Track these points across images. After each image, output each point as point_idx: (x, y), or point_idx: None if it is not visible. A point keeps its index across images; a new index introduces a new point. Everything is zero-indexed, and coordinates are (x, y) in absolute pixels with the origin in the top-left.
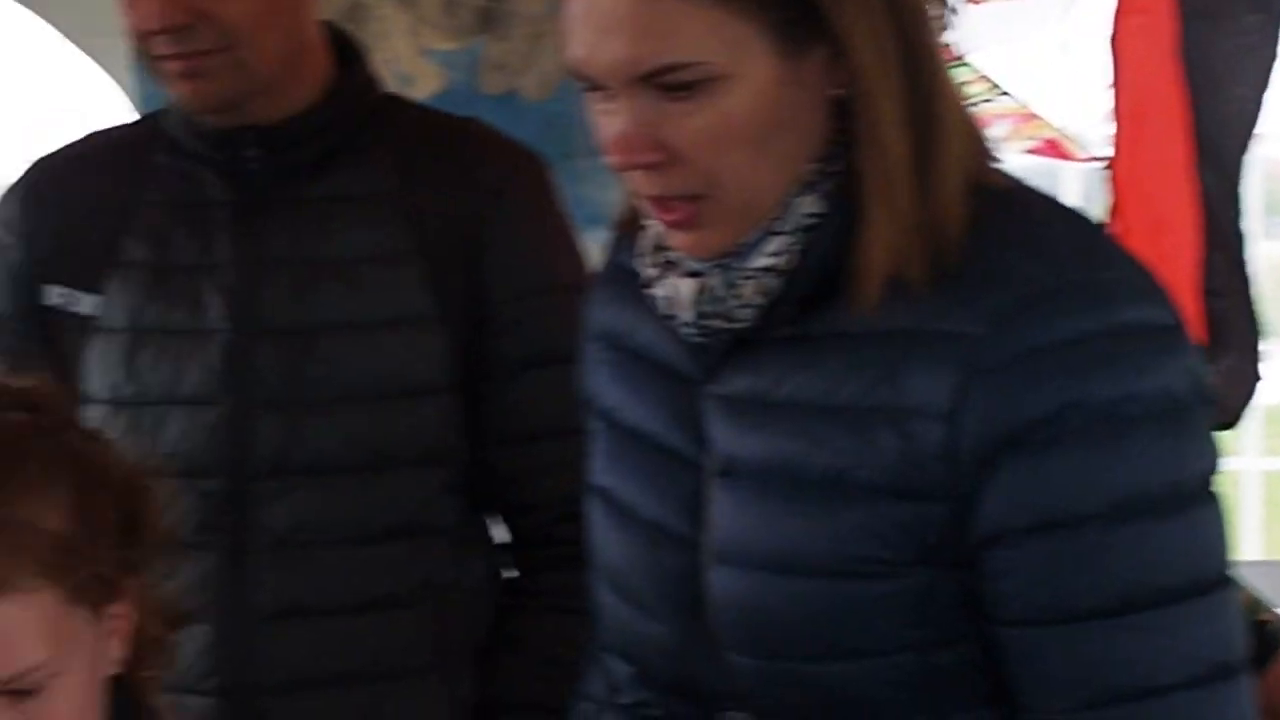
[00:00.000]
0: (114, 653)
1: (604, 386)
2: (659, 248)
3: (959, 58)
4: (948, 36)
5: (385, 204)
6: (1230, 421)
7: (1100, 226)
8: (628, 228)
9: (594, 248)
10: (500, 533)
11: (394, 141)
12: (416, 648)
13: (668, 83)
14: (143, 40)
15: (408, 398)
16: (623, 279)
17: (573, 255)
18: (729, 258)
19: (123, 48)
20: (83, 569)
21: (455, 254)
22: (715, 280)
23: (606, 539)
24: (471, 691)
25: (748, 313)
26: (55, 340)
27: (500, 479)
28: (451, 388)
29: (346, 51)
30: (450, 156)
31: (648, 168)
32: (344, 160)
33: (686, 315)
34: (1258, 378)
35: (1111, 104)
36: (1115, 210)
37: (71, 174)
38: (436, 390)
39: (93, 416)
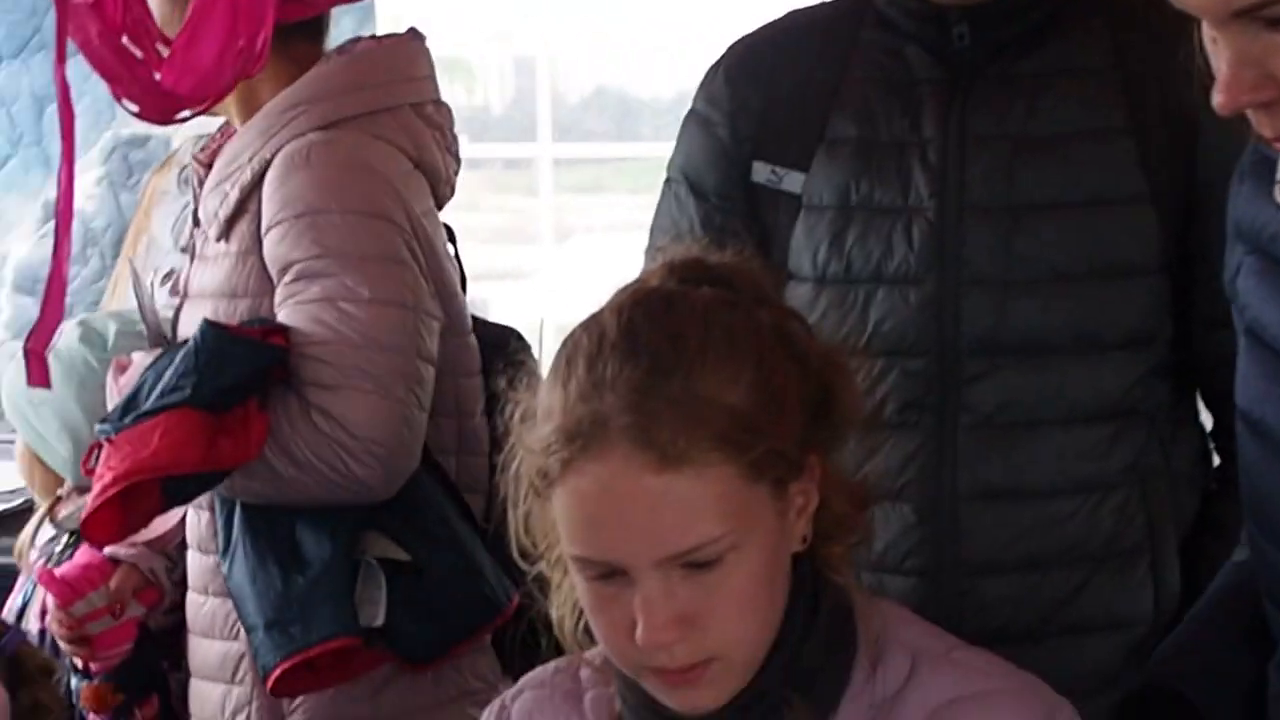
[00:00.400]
0: (798, 530)
1: (1247, 296)
2: None
3: None
4: None
5: (1097, 80)
6: None
7: None
8: None
9: None
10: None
11: (1108, 16)
12: (1122, 532)
13: (1268, 16)
14: None
15: (1117, 279)
16: (1265, 172)
17: None
18: None
19: None
20: (762, 445)
21: (1169, 134)
22: None
23: (1252, 471)
24: (1177, 578)
25: None
26: (760, 218)
27: (1205, 364)
28: (1161, 269)
29: None
30: (1168, 34)
31: (1258, 107)
32: (1055, 36)
33: None
34: None
35: None
36: None
37: (776, 51)
38: (1146, 272)
39: (798, 295)
